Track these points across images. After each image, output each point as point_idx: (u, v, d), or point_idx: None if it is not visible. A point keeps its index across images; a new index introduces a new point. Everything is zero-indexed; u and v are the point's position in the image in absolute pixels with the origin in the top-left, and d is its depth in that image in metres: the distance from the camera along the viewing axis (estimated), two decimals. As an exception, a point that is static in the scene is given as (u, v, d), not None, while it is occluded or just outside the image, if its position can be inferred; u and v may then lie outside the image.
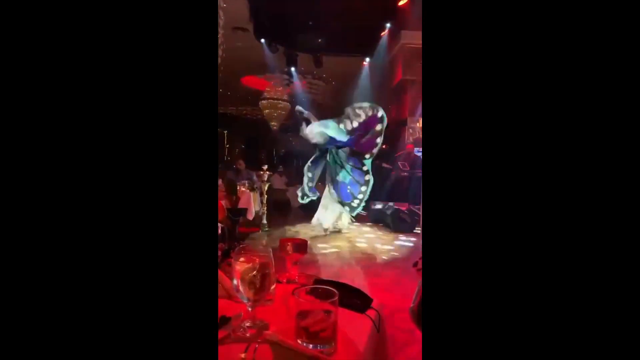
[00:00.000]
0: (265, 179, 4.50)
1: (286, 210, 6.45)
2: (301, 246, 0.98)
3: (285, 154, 9.92)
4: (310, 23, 6.21)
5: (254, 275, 0.57)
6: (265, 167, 4.62)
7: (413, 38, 6.67)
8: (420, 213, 4.91)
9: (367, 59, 7.29)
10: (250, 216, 4.02)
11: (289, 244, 0.97)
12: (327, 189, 4.54)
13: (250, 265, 0.58)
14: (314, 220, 4.58)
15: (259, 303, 0.60)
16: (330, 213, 4.49)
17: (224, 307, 0.65)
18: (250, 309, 0.60)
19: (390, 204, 5.01)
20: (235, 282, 0.58)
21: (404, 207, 5.03)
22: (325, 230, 4.48)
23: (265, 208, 4.49)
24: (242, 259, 0.58)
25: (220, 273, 0.76)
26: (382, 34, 6.57)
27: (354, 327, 0.67)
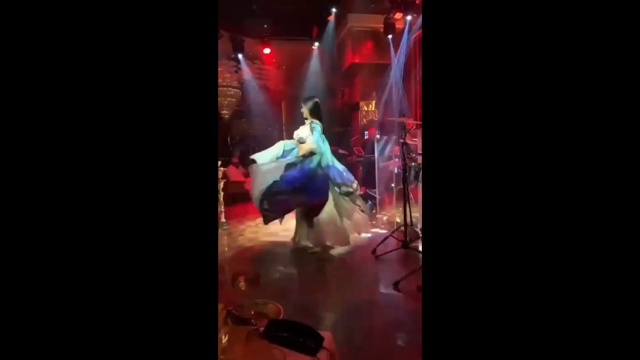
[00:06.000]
0: (220, 176, 4.37)
1: (245, 202, 6.33)
2: (254, 280, 1.00)
3: (240, 142, 9.59)
4: (254, 7, 5.96)
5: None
6: (219, 162, 4.47)
7: (359, 21, 6.66)
8: (377, 196, 5.07)
9: (316, 44, 7.18)
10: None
11: (241, 280, 0.97)
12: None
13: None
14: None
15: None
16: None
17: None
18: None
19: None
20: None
21: (361, 191, 5.15)
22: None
23: (222, 207, 4.39)
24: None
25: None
26: (329, 18, 6.47)
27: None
